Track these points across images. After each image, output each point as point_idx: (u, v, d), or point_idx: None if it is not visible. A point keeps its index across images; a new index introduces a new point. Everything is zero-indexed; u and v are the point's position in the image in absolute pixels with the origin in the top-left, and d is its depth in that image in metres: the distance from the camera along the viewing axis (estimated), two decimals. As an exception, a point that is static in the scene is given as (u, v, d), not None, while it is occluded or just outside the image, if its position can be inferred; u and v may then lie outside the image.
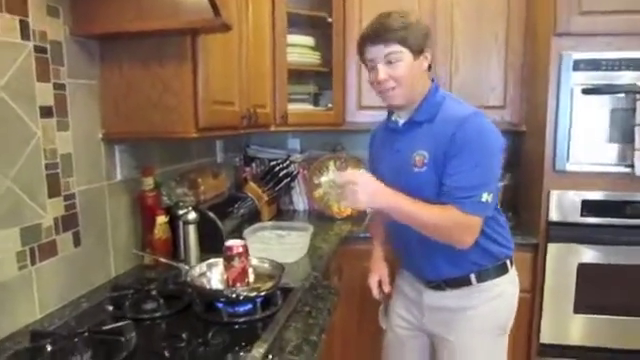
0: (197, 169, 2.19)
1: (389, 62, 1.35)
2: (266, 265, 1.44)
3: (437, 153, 1.33)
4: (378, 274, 1.71)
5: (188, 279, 1.33)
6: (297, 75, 2.43)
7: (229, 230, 1.99)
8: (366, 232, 2.34)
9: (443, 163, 1.32)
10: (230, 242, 1.32)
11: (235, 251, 1.30)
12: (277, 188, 2.54)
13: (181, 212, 1.77)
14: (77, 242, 1.46)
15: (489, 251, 1.44)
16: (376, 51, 1.36)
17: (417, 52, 1.36)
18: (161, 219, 1.71)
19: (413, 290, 1.59)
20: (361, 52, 1.43)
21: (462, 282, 1.46)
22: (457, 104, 1.41)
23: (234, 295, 1.25)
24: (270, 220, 2.52)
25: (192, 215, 1.74)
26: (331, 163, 2.72)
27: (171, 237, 1.77)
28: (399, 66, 1.35)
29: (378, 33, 1.35)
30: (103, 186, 1.58)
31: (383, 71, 1.36)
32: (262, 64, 2.12)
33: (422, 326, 1.57)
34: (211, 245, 1.88)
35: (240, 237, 1.92)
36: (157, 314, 1.30)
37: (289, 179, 2.58)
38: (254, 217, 2.31)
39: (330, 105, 2.61)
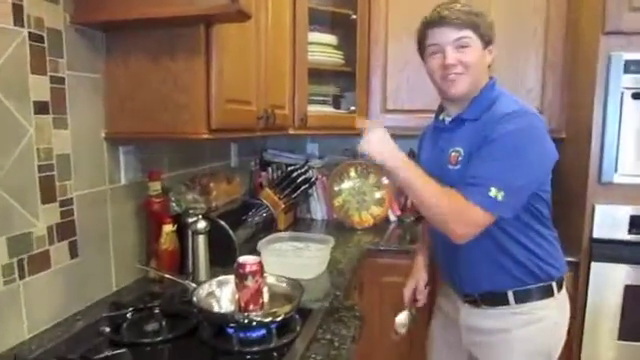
0: (209, 173, 2.04)
1: (459, 47, 1.28)
2: (283, 285, 1.28)
3: (472, 150, 1.26)
4: (415, 280, 1.63)
5: (194, 299, 1.17)
6: (317, 75, 2.27)
7: (242, 240, 1.83)
8: (388, 245, 2.17)
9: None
10: (243, 258, 1.16)
11: (248, 269, 1.14)
12: (294, 195, 2.38)
13: (190, 220, 1.62)
14: (74, 253, 1.32)
15: (530, 268, 1.32)
16: (445, 35, 1.28)
17: (486, 42, 1.31)
18: (168, 228, 1.56)
19: (451, 305, 1.51)
20: (422, 37, 1.35)
21: (499, 300, 1.35)
22: (512, 101, 1.30)
23: (246, 321, 1.09)
24: (286, 229, 2.36)
25: (202, 224, 1.58)
26: (352, 170, 2.55)
27: (179, 248, 1.62)
28: (469, 52, 1.28)
29: (449, 17, 1.27)
30: (105, 191, 1.44)
31: (452, 55, 1.28)
32: (281, 62, 1.97)
33: (461, 347, 1.48)
34: (222, 257, 1.72)
35: (254, 248, 1.78)
36: (159, 338, 1.14)
37: (307, 185, 2.42)
38: (269, 226, 2.16)
39: (352, 108, 2.45)
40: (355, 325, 1.27)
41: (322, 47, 2.30)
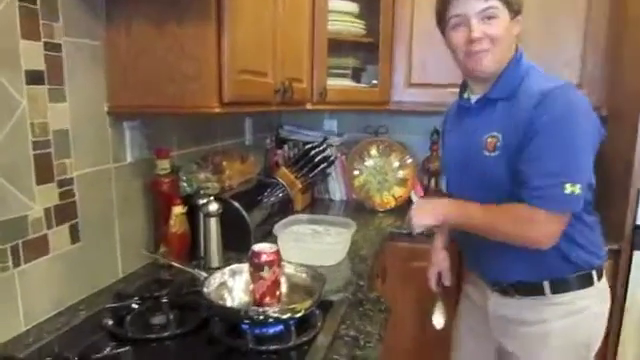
0: (222, 151, 1.92)
1: (486, 18, 1.15)
2: (303, 275, 1.16)
3: (513, 135, 1.14)
4: (438, 266, 1.54)
5: (205, 290, 1.06)
6: (336, 47, 2.11)
7: (257, 222, 1.72)
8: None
9: (519, 147, 1.12)
10: (258, 247, 1.05)
11: (265, 259, 1.02)
12: (312, 174, 2.25)
13: (201, 202, 1.50)
14: (75, 237, 1.21)
15: (569, 257, 1.20)
16: (469, 5, 1.15)
17: (514, 12, 1.18)
18: (178, 210, 1.44)
19: (478, 293, 1.42)
20: (443, 8, 1.21)
21: (533, 290, 1.25)
22: (544, 78, 1.18)
23: (262, 317, 0.98)
24: (303, 211, 2.25)
25: (214, 206, 1.47)
26: (373, 148, 2.41)
27: (189, 231, 1.50)
28: (496, 23, 1.15)
29: None
30: (109, 169, 1.32)
31: (478, 28, 1.15)
32: (299, 31, 1.82)
33: (490, 337, 1.38)
34: (236, 241, 1.62)
35: (270, 230, 1.67)
36: (165, 333, 1.04)
37: (326, 164, 2.28)
38: (286, 207, 2.04)
39: (374, 82, 2.29)
40: (381, 320, 1.15)
41: (342, 16, 2.13)
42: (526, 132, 1.11)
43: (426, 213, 1.27)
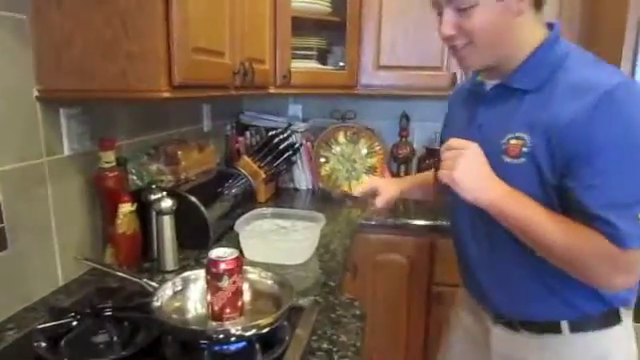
0: (177, 140, 1.75)
1: (459, 9, 0.91)
2: (269, 282, 1.02)
3: (546, 138, 0.87)
4: (382, 186, 1.33)
5: (155, 305, 0.91)
6: (300, 26, 1.96)
7: (217, 216, 1.58)
8: (382, 220, 1.94)
9: (556, 155, 0.87)
10: (216, 253, 0.90)
11: (223, 267, 0.88)
12: (276, 163, 2.11)
13: (153, 197, 1.34)
14: (1, 244, 1.04)
15: (594, 292, 0.96)
16: None
17: None
18: (126, 208, 1.28)
19: (478, 325, 1.16)
20: None
21: (547, 327, 1.01)
22: (591, 65, 0.92)
23: (222, 336, 0.84)
24: (267, 202, 2.12)
25: (167, 202, 1.31)
26: (341, 134, 2.28)
27: (140, 230, 1.34)
28: (475, 13, 0.90)
29: None
30: (42, 164, 1.15)
31: (449, 22, 0.93)
32: (260, 7, 1.66)
33: None
34: (194, 238, 1.49)
35: (231, 225, 1.53)
36: (109, 357, 0.88)
37: (291, 152, 2.15)
38: (248, 199, 1.90)
39: (341, 64, 2.16)
40: (356, 329, 1.04)
41: (306, -8, 1.98)
42: (576, 140, 0.84)
43: (474, 179, 0.91)
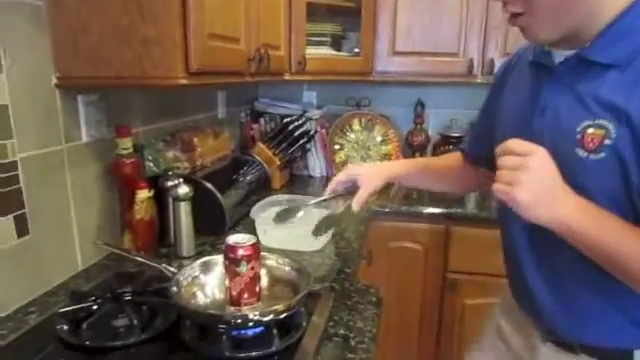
0: (193, 127, 1.76)
1: None
2: (286, 268, 1.03)
3: (636, 131, 0.70)
4: (363, 177, 1.14)
5: (174, 290, 0.92)
6: (314, 12, 1.94)
7: (233, 203, 1.59)
8: (396, 207, 1.93)
9: None
10: (234, 239, 0.91)
11: (242, 254, 0.89)
12: (291, 150, 2.11)
13: (169, 184, 1.35)
14: (22, 229, 1.05)
15: None
16: None
17: None
18: (143, 194, 1.29)
19: (522, 340, 0.99)
20: None
21: (615, 356, 0.84)
22: None
23: (240, 321, 0.85)
24: (282, 188, 2.12)
25: (184, 189, 1.32)
26: (355, 121, 2.27)
27: (157, 216, 1.36)
28: None
29: None
30: (61, 151, 1.16)
31: None
32: (275, -8, 1.65)
33: None
34: (210, 225, 1.50)
35: (247, 212, 1.54)
36: (129, 340, 0.90)
37: (305, 139, 2.15)
38: (263, 186, 1.91)
39: (356, 50, 2.14)
40: (372, 315, 1.04)
41: (321, -23, 1.96)
42: None
43: (539, 197, 0.71)
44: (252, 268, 0.91)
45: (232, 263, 0.90)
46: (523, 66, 0.92)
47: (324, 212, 1.36)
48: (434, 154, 2.39)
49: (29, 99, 1.05)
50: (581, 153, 0.75)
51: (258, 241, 0.93)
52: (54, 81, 1.12)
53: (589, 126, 0.74)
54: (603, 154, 0.73)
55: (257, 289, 0.94)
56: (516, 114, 0.89)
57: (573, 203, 0.73)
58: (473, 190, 1.29)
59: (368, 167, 1.19)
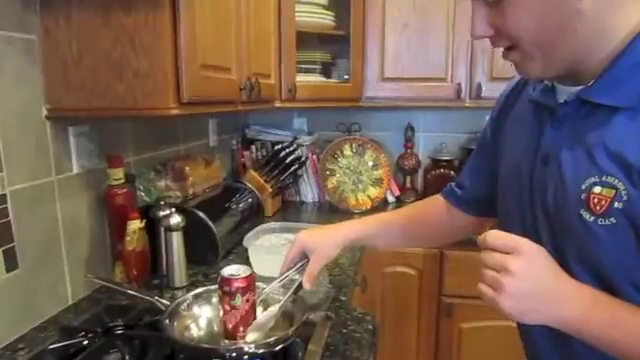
0: (184, 156, 1.76)
1: (489, 2, 0.66)
2: (280, 297, 1.02)
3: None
4: (323, 255, 1.00)
5: (167, 322, 0.91)
6: (304, 40, 1.97)
7: (226, 232, 1.57)
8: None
9: None
10: (228, 271, 0.90)
11: (236, 286, 0.88)
12: (283, 177, 2.11)
13: (162, 214, 1.34)
14: (11, 264, 1.03)
15: None
16: None
17: None
18: (135, 225, 1.28)
19: None
20: None
21: None
22: None
23: (234, 354, 0.83)
24: (274, 215, 2.11)
25: (176, 219, 1.31)
26: (347, 146, 2.28)
27: (149, 247, 1.34)
28: (504, 7, 0.64)
29: None
30: (51, 182, 1.15)
31: (481, 19, 0.67)
32: (265, 22, 1.67)
33: None
34: (203, 254, 1.49)
35: (240, 240, 1.53)
36: (121, 376, 0.88)
37: (297, 166, 2.15)
38: (256, 213, 1.90)
39: (346, 77, 2.16)
40: (370, 344, 1.03)
41: (309, 7, 1.99)
42: None
43: (530, 304, 0.61)
44: (247, 300, 0.90)
45: (227, 296, 0.89)
46: (524, 101, 0.81)
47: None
48: (425, 178, 2.40)
49: (19, 131, 1.05)
50: (587, 217, 0.64)
51: (252, 270, 0.92)
52: (45, 113, 1.11)
53: (595, 184, 0.63)
54: (613, 219, 0.61)
55: (251, 321, 0.93)
56: (516, 161, 0.78)
57: (576, 301, 0.62)
58: (453, 240, 1.15)
59: (320, 235, 1.04)
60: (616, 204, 0.61)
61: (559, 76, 0.69)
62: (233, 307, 0.88)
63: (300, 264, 1.00)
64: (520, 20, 0.63)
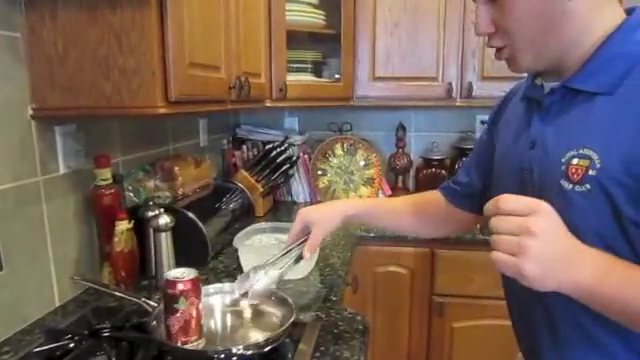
0: (173, 155, 1.74)
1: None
2: (270, 298, 1.01)
3: (624, 164, 0.65)
4: (321, 228, 1.02)
5: (154, 324, 0.89)
6: (295, 39, 1.96)
7: (216, 232, 1.56)
8: (381, 231, 1.92)
9: (632, 185, 0.65)
10: (173, 273, 0.89)
11: (179, 288, 0.86)
12: (274, 177, 2.10)
13: (150, 215, 1.33)
14: (-4, 266, 1.02)
15: None
16: None
17: None
18: (122, 225, 1.26)
19: None
20: None
21: None
22: None
23: (223, 356, 0.82)
24: (265, 215, 2.10)
25: (164, 219, 1.30)
26: (338, 146, 2.28)
27: (137, 248, 1.33)
28: (505, 3, 0.72)
29: None
30: (37, 183, 1.13)
31: (484, 17, 0.75)
32: (255, 21, 1.66)
33: None
34: (192, 255, 1.46)
35: (230, 240, 1.52)
36: (108, 380, 0.87)
37: (288, 165, 2.14)
38: (247, 213, 1.88)
39: (337, 76, 2.16)
40: (360, 344, 1.02)
41: (300, 6, 1.98)
42: None
43: (553, 265, 0.61)
44: (192, 304, 0.88)
45: (170, 298, 0.87)
46: (516, 103, 0.90)
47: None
48: (417, 177, 2.40)
49: (3, 131, 1.03)
50: (566, 185, 0.70)
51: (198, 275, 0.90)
52: (30, 112, 1.10)
53: (573, 157, 0.69)
54: (588, 185, 0.67)
55: (196, 326, 0.89)
56: (507, 151, 0.86)
57: (590, 265, 0.62)
58: (446, 234, 1.20)
59: (323, 208, 1.09)
60: (590, 172, 0.67)
61: (545, 70, 0.77)
62: (176, 310, 0.86)
63: (303, 238, 1.02)
64: (518, 16, 0.71)
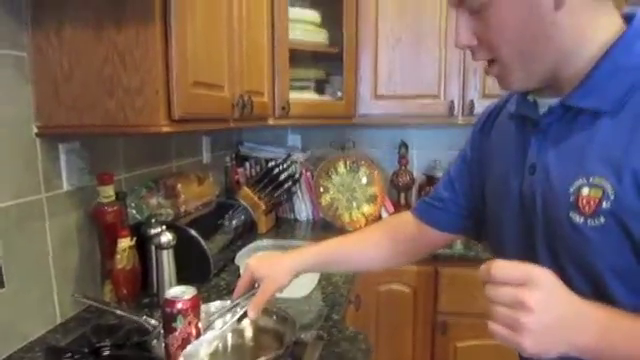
0: (176, 173, 1.75)
1: (471, 9, 0.67)
2: (271, 317, 1.00)
3: (638, 181, 0.59)
4: (268, 278, 0.96)
5: (154, 342, 0.89)
6: (297, 58, 1.98)
7: (218, 249, 1.56)
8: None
9: None
10: (172, 292, 0.88)
11: (177, 307, 0.85)
12: (276, 194, 2.11)
13: (152, 232, 1.33)
14: (-2, 283, 1.02)
15: None
16: None
17: None
18: (125, 243, 1.26)
19: None
20: None
21: None
22: None
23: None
24: (268, 232, 2.10)
25: (166, 237, 1.29)
26: (340, 164, 2.28)
27: (139, 265, 1.32)
28: (488, 16, 0.65)
29: None
30: (40, 200, 1.14)
31: (464, 29, 0.69)
32: (258, 40, 1.68)
33: None
34: (195, 272, 1.46)
35: (233, 257, 1.52)
36: (107, 399, 0.86)
37: (290, 183, 2.15)
38: (249, 230, 1.89)
39: (339, 94, 2.17)
40: (362, 364, 1.01)
41: (303, 25, 2.00)
42: None
43: (554, 337, 0.56)
44: (189, 323, 0.87)
45: (168, 317, 0.86)
46: (503, 121, 0.84)
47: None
48: (419, 194, 2.39)
49: (8, 148, 1.04)
50: (577, 219, 0.63)
51: (198, 295, 0.88)
52: (35, 130, 1.11)
53: (583, 186, 0.63)
54: (602, 219, 0.61)
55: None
56: (503, 174, 0.78)
57: (594, 328, 0.57)
58: (419, 258, 1.10)
59: (270, 265, 0.99)
60: (604, 204, 0.61)
61: (540, 87, 0.70)
62: (174, 329, 0.85)
63: (251, 292, 0.96)
64: (501, 28, 0.65)
